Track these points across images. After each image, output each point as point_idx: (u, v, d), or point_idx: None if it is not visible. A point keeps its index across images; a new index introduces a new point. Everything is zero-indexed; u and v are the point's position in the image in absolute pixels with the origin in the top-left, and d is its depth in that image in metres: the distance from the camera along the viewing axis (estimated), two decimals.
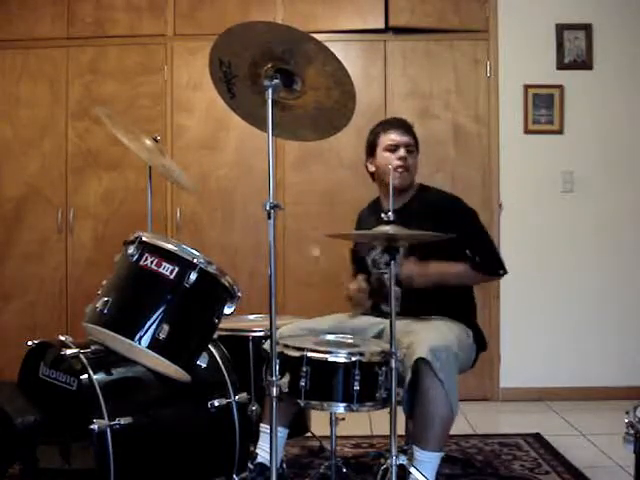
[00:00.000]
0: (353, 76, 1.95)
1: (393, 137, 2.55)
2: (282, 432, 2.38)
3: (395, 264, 2.07)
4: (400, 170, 2.52)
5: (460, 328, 2.42)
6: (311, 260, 3.97)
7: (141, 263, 2.13)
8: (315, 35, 1.89)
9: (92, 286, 2.29)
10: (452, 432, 2.46)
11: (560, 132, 4.01)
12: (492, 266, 2.49)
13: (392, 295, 2.05)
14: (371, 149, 2.62)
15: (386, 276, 2.45)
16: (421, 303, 2.44)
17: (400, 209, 2.42)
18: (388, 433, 2.04)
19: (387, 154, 2.55)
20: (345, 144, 3.94)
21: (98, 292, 2.17)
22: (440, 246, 2.21)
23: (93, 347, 2.14)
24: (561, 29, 4.01)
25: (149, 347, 2.07)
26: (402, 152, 2.53)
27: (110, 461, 1.97)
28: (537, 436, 3.18)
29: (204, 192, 4.03)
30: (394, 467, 2.02)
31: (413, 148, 2.57)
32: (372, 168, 2.63)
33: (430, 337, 2.19)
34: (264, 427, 2.34)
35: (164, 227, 4.02)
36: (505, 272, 2.52)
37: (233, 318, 2.69)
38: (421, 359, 2.11)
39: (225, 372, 2.33)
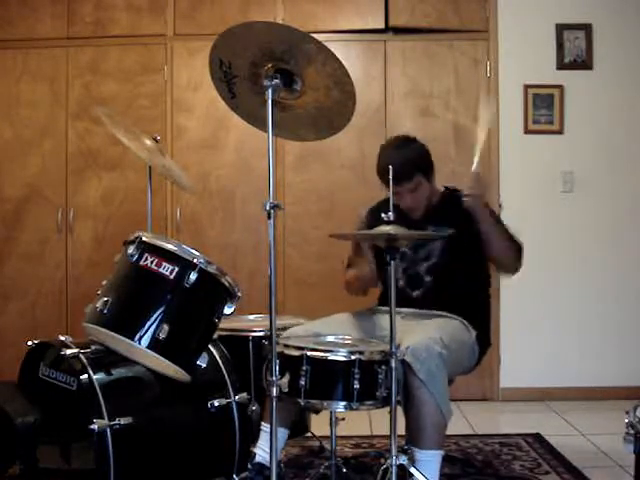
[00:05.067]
0: (353, 76, 1.95)
1: (391, 186, 2.31)
2: (282, 433, 2.37)
3: (419, 262, 2.11)
4: (405, 211, 2.51)
5: (459, 327, 2.42)
6: (311, 260, 3.97)
7: (141, 263, 2.13)
8: (315, 35, 1.89)
9: (92, 286, 2.29)
10: (452, 432, 2.46)
11: (560, 132, 4.01)
12: (520, 253, 2.52)
13: (392, 294, 2.05)
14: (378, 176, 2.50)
15: (421, 268, 2.52)
16: (441, 296, 2.48)
17: (426, 214, 2.55)
18: (388, 433, 2.04)
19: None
20: (345, 144, 3.95)
21: (98, 292, 2.17)
22: (469, 242, 2.37)
23: (93, 347, 2.15)
24: (561, 29, 4.01)
25: (149, 347, 2.06)
26: (403, 202, 2.47)
27: (110, 461, 1.97)
28: (537, 436, 3.18)
29: (204, 192, 4.03)
30: (394, 467, 2.02)
31: (417, 187, 2.48)
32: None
33: (412, 338, 2.19)
34: (264, 426, 2.34)
35: (164, 227, 4.01)
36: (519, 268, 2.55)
37: (233, 318, 2.68)
38: (403, 360, 2.12)
39: (225, 372, 2.33)
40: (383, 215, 2.09)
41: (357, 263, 2.63)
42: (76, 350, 2.09)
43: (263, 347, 2.42)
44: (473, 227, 2.43)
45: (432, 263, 2.53)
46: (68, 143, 4.09)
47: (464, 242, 2.44)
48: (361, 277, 2.61)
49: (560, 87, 4.00)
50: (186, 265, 2.12)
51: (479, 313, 2.57)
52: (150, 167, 2.89)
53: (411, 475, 2.04)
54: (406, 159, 2.44)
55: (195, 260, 2.12)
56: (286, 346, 2.10)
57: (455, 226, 2.47)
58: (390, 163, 2.35)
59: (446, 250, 2.51)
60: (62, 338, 2.17)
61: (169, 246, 2.14)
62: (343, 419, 2.63)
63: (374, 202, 2.74)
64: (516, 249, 2.49)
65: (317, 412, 2.68)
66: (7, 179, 4.10)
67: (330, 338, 2.32)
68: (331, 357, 2.06)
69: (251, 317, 2.90)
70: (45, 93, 4.09)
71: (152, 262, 2.12)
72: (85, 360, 2.07)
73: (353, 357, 2.04)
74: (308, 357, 2.04)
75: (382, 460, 2.08)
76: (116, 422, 1.99)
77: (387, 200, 2.61)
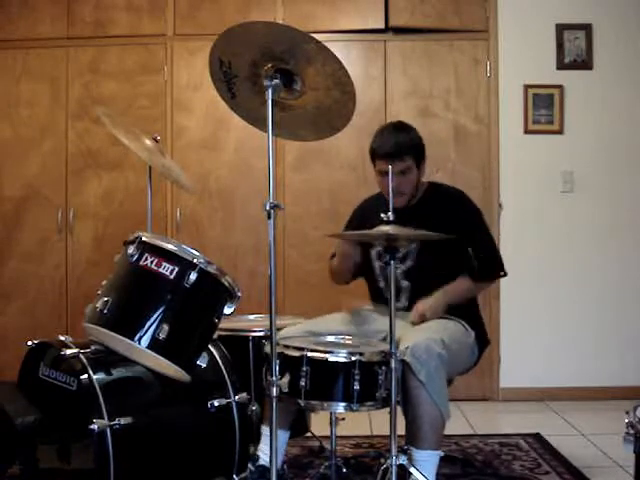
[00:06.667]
0: (353, 76, 1.95)
1: (382, 165, 2.43)
2: (283, 435, 2.37)
3: (395, 265, 2.09)
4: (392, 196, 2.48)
5: (458, 328, 2.42)
6: (311, 260, 3.97)
7: (141, 263, 2.12)
8: (315, 35, 1.89)
9: (92, 286, 2.29)
10: (452, 432, 2.47)
11: (560, 132, 4.01)
12: (492, 270, 2.54)
13: (392, 294, 2.05)
14: (371, 160, 2.55)
15: (398, 272, 2.48)
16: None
17: (409, 208, 2.51)
18: (388, 433, 2.05)
19: (379, 178, 2.49)
20: (345, 144, 3.95)
21: (98, 292, 2.17)
22: (445, 243, 2.24)
23: (93, 347, 2.14)
24: (561, 29, 4.01)
25: (149, 347, 2.06)
26: (392, 182, 2.34)
27: (110, 461, 1.97)
28: (537, 436, 3.18)
29: (204, 192, 4.03)
30: (394, 467, 2.02)
31: (407, 170, 2.46)
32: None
33: (412, 338, 2.19)
34: (265, 429, 2.33)
35: (164, 227, 4.02)
36: (505, 274, 2.56)
37: (233, 318, 2.68)
38: (403, 360, 2.12)
39: (225, 372, 2.33)
40: (383, 215, 2.09)
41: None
42: (76, 350, 2.09)
43: (263, 347, 2.42)
44: (454, 227, 2.38)
45: (409, 266, 2.49)
46: (68, 143, 4.09)
47: (443, 242, 2.27)
48: (339, 268, 2.64)
49: (560, 87, 4.00)
50: (186, 265, 2.12)
51: (472, 313, 2.57)
52: (150, 167, 2.89)
53: (410, 475, 2.05)
54: (401, 140, 2.47)
55: (195, 260, 2.12)
56: (286, 346, 2.10)
57: (436, 225, 2.33)
58: (385, 142, 2.46)
59: (423, 252, 2.47)
60: (62, 338, 2.17)
61: (169, 246, 2.14)
62: (343, 419, 2.63)
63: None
64: (486, 286, 2.62)
65: (313, 410, 2.68)
66: (7, 179, 4.10)
67: (330, 338, 2.33)
68: (331, 358, 2.06)
69: (251, 317, 2.90)
70: (45, 93, 4.09)
71: (152, 262, 2.12)
72: (85, 360, 2.07)
73: (353, 358, 2.04)
74: (308, 358, 2.04)
75: (382, 460, 2.08)
76: (116, 422, 1.99)
77: (375, 197, 2.66)
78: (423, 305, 2.39)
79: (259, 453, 2.32)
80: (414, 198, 2.56)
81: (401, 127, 2.55)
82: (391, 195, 2.14)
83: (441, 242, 2.24)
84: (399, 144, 2.45)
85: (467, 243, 2.47)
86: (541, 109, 4.01)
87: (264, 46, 1.89)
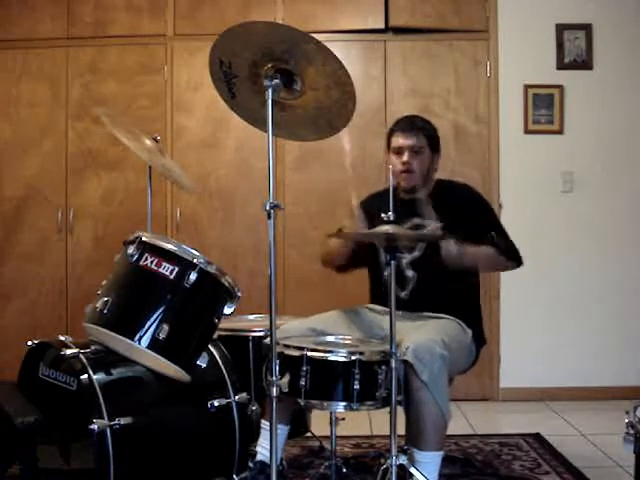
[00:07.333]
0: (353, 76, 1.95)
1: (397, 140, 2.54)
2: (283, 429, 2.37)
3: (401, 254, 2.10)
4: (403, 175, 2.54)
5: (457, 328, 2.42)
6: (311, 260, 3.96)
7: (141, 263, 2.13)
8: (315, 35, 1.89)
9: (92, 286, 2.29)
10: (452, 432, 2.46)
11: (560, 132, 4.01)
12: (514, 252, 2.52)
13: (392, 295, 2.05)
14: (387, 147, 2.63)
15: (404, 261, 2.50)
16: (430, 295, 2.47)
17: (417, 202, 2.53)
18: (388, 433, 2.05)
19: (393, 157, 2.57)
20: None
21: (98, 292, 2.17)
22: (454, 234, 2.31)
23: (93, 347, 2.14)
24: (561, 29, 4.02)
25: (149, 347, 2.06)
26: (405, 157, 2.52)
27: (110, 461, 1.97)
28: (537, 436, 3.18)
29: (204, 192, 4.03)
30: (394, 467, 2.02)
31: (420, 149, 2.54)
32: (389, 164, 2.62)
33: (413, 339, 2.19)
34: (264, 424, 2.34)
35: (164, 227, 4.02)
36: (522, 262, 2.54)
37: (233, 318, 2.69)
38: (405, 361, 2.12)
39: (225, 372, 2.33)
40: (383, 215, 2.09)
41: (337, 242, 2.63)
42: (76, 350, 2.09)
43: (263, 347, 2.42)
44: (462, 222, 2.43)
45: (416, 257, 2.51)
46: (68, 143, 4.09)
47: (452, 233, 2.35)
48: (334, 253, 2.63)
49: (560, 87, 4.00)
50: (186, 265, 2.12)
51: (471, 311, 2.57)
52: (150, 167, 2.89)
53: (411, 475, 2.05)
54: (418, 122, 2.60)
55: (195, 260, 2.12)
56: (286, 346, 2.10)
57: (443, 219, 2.45)
58: (402, 120, 2.60)
59: (431, 244, 2.48)
60: (62, 338, 2.18)
61: (169, 246, 2.14)
62: (343, 419, 2.63)
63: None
64: (506, 263, 2.52)
65: (309, 410, 2.68)
66: (7, 179, 4.10)
67: (330, 338, 2.33)
68: (331, 357, 2.06)
69: (251, 317, 2.90)
70: (45, 93, 4.09)
71: (152, 262, 2.12)
72: (85, 360, 2.07)
73: (353, 357, 2.04)
74: (308, 357, 2.04)
75: (382, 460, 2.08)
76: (116, 422, 1.99)
77: (381, 193, 2.66)
78: (454, 246, 2.33)
79: (258, 448, 2.32)
80: (423, 188, 2.57)
81: (419, 116, 2.68)
82: (391, 198, 2.13)
83: (450, 233, 2.32)
84: (415, 123, 2.58)
85: (486, 230, 2.46)
86: (541, 109, 4.01)
87: (264, 46, 1.89)
